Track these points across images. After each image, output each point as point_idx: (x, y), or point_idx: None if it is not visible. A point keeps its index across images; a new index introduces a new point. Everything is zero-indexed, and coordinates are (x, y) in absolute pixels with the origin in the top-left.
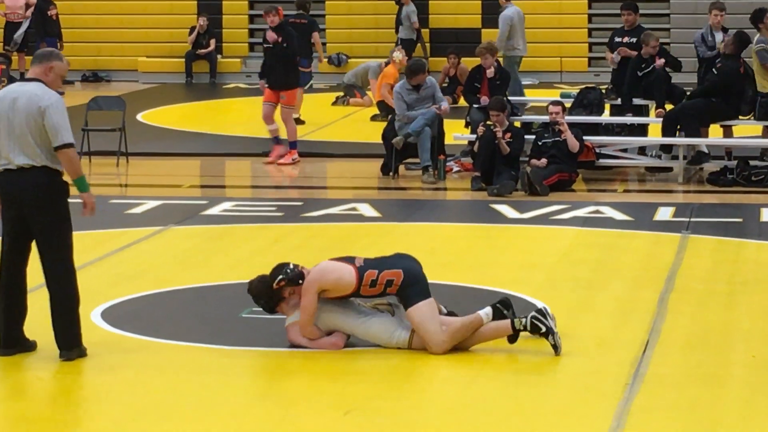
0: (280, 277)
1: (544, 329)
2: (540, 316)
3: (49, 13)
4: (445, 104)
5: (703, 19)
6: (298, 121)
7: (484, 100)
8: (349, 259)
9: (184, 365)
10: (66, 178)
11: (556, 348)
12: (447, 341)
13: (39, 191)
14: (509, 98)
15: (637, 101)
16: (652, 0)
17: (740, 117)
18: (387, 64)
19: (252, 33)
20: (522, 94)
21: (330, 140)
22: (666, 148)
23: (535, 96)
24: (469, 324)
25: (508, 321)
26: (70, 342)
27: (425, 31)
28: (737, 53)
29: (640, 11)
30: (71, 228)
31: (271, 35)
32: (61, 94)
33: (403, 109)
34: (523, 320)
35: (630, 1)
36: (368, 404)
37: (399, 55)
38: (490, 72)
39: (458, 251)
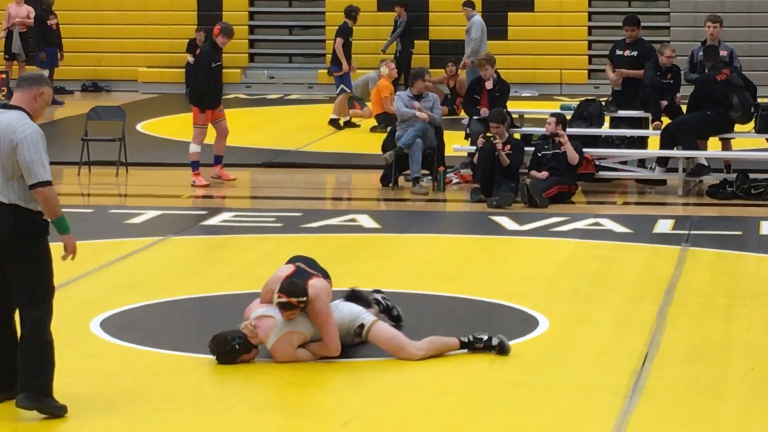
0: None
1: (485, 337)
2: (478, 334)
3: (48, 23)
4: (434, 116)
5: (703, 32)
6: (336, 124)
7: (484, 111)
8: (305, 273)
9: (183, 375)
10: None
11: (502, 346)
12: (424, 349)
13: (6, 233)
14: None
15: (636, 114)
16: (652, 13)
17: (738, 126)
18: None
19: (252, 44)
20: None
21: (329, 151)
22: (662, 162)
23: (535, 108)
24: (448, 345)
25: (455, 338)
26: (34, 388)
27: (424, 43)
28: (714, 64)
29: (642, 24)
30: (47, 272)
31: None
32: (61, 104)
33: (402, 108)
34: (467, 336)
35: (632, 15)
36: (367, 415)
37: (386, 69)
38: (489, 84)
39: (457, 263)
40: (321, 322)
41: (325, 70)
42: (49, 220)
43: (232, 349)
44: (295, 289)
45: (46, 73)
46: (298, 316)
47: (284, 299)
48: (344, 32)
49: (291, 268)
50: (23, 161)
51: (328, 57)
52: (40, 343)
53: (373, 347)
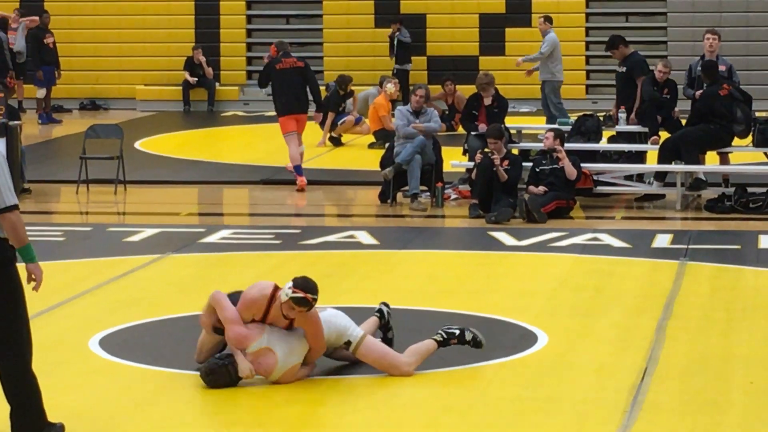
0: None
1: (457, 332)
2: (446, 326)
3: (45, 41)
4: (432, 125)
5: (701, 46)
6: (338, 142)
7: (482, 127)
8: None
9: (182, 393)
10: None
11: (477, 340)
12: (413, 362)
13: None
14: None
15: (635, 129)
16: (649, 28)
17: (737, 139)
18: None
19: (250, 61)
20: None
21: (328, 168)
22: (660, 176)
23: (533, 123)
24: (429, 349)
25: (431, 340)
26: (27, 426)
27: (422, 59)
28: (714, 80)
29: (639, 38)
30: (19, 304)
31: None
32: (59, 122)
33: (403, 125)
34: (438, 335)
35: (610, 38)
36: None
37: (391, 87)
38: (487, 100)
39: (456, 278)
40: (314, 330)
41: (323, 87)
42: (15, 247)
43: (223, 367)
44: (312, 286)
45: (43, 92)
46: (293, 339)
47: (300, 294)
48: (334, 104)
49: (268, 283)
50: None
51: (326, 74)
52: (23, 382)
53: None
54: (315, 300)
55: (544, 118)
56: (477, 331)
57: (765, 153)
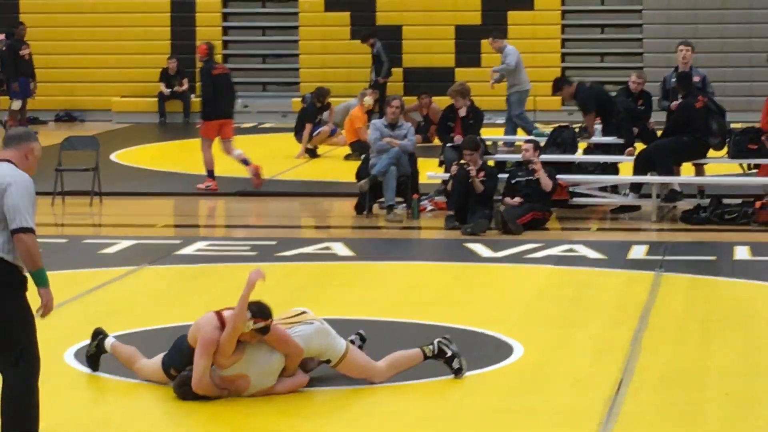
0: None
1: (449, 353)
2: (446, 341)
3: (21, 53)
4: (406, 144)
5: (676, 58)
6: (314, 154)
7: (458, 139)
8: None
9: (159, 406)
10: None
11: (460, 371)
12: (386, 374)
13: None
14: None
15: (610, 140)
16: (624, 39)
17: (712, 151)
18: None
19: None
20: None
21: (304, 179)
22: (635, 188)
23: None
24: (412, 359)
25: (419, 350)
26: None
27: (398, 70)
28: (688, 91)
29: (614, 50)
30: (29, 328)
31: None
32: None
33: (377, 139)
34: (431, 347)
35: (554, 81)
36: None
37: (369, 100)
38: (462, 111)
39: (432, 290)
40: (279, 341)
41: (299, 99)
42: (27, 272)
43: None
44: (267, 310)
45: (18, 104)
46: (268, 361)
47: (261, 324)
48: (311, 116)
49: (210, 313)
50: (10, 204)
51: (302, 86)
52: (28, 403)
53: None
54: (272, 320)
55: (519, 129)
56: (464, 362)
57: (740, 164)
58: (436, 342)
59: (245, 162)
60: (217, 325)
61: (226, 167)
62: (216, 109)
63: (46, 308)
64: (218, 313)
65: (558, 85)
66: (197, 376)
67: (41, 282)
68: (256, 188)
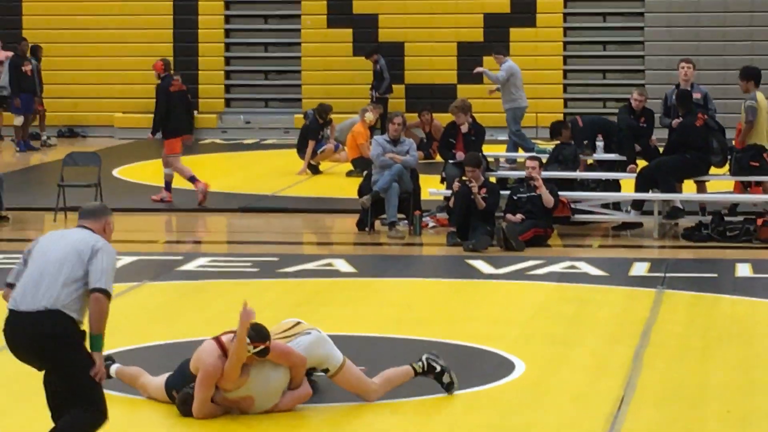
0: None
1: (438, 369)
2: (434, 357)
3: (23, 69)
4: (409, 160)
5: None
6: (316, 170)
7: (460, 155)
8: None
9: (160, 422)
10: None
11: (452, 386)
12: (380, 391)
13: (45, 340)
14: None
15: (611, 156)
16: (626, 56)
17: (714, 168)
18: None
19: (228, 89)
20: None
21: (306, 195)
22: (637, 205)
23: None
24: (403, 376)
25: (409, 366)
26: None
27: (400, 87)
28: (688, 110)
29: (616, 67)
30: (89, 380)
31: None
32: (36, 150)
33: (380, 154)
34: (420, 363)
35: (553, 124)
36: None
37: (371, 116)
38: (464, 127)
39: (434, 306)
40: (282, 356)
41: (301, 115)
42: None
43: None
44: (265, 332)
45: (21, 120)
46: (272, 381)
47: (261, 347)
48: (313, 132)
49: (210, 341)
50: (98, 267)
51: (305, 102)
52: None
53: (344, 392)
54: (270, 342)
55: (520, 147)
56: (455, 376)
57: (742, 182)
58: (424, 358)
59: (167, 186)
60: (219, 355)
61: (230, 183)
62: (177, 126)
63: (100, 373)
64: (219, 341)
65: (555, 131)
66: (197, 406)
67: (98, 346)
68: (153, 201)
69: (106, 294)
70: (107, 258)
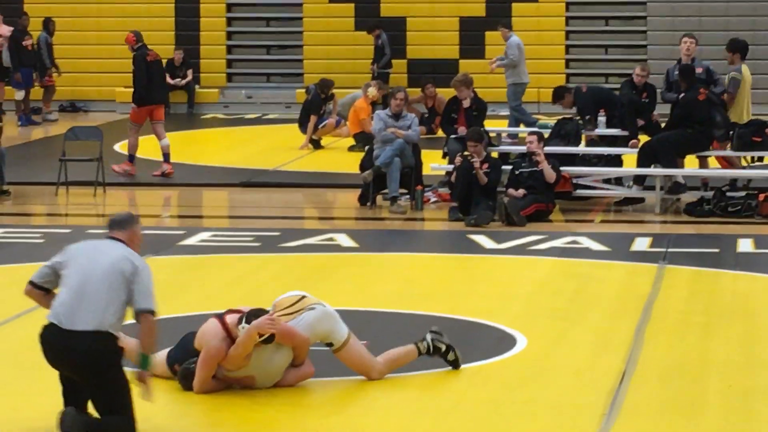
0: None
1: (444, 348)
2: (437, 335)
3: (24, 43)
4: (410, 135)
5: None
6: (318, 145)
7: (462, 130)
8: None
9: (160, 396)
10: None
11: (456, 362)
12: (384, 371)
13: (92, 361)
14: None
15: (614, 131)
16: (629, 32)
17: (717, 143)
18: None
19: (230, 63)
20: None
21: (308, 170)
22: (639, 180)
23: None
24: (407, 356)
25: (413, 346)
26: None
27: (402, 62)
28: (690, 84)
29: (618, 42)
30: (127, 397)
31: None
32: (38, 124)
33: (381, 129)
34: (425, 343)
35: (556, 89)
36: None
37: (373, 90)
38: (466, 102)
39: (435, 281)
40: (288, 339)
41: (303, 90)
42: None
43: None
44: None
45: (21, 94)
46: (274, 362)
47: (267, 335)
48: (315, 107)
49: (215, 321)
50: (142, 287)
51: (306, 77)
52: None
53: (345, 367)
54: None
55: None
56: (459, 352)
57: (744, 157)
58: (429, 338)
59: (166, 157)
60: (223, 337)
61: (232, 158)
62: (149, 95)
63: (150, 394)
64: (222, 321)
65: (558, 95)
66: (198, 384)
67: (145, 364)
68: (154, 175)
69: (154, 314)
70: (148, 277)
